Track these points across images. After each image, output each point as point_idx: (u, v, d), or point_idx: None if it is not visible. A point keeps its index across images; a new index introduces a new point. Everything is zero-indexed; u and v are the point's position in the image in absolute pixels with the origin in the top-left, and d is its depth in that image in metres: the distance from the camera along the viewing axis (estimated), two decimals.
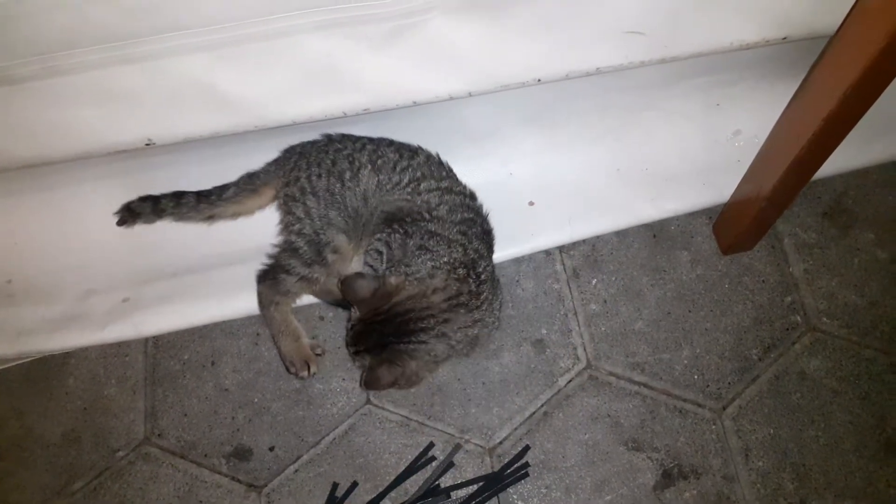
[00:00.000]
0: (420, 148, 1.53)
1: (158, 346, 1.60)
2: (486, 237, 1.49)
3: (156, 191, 1.57)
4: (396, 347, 1.31)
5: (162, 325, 1.60)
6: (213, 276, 1.62)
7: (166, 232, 1.61)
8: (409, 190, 1.45)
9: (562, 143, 1.68)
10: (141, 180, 1.59)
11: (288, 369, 1.52)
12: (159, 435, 1.52)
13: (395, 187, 1.45)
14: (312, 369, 1.52)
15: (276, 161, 1.57)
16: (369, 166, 1.46)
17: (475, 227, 1.46)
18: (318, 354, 1.54)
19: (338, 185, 1.46)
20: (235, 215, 1.60)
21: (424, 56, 1.21)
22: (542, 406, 1.50)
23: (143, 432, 1.53)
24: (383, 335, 1.31)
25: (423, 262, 1.35)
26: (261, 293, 1.51)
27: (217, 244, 1.64)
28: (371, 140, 1.52)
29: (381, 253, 1.41)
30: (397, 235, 1.40)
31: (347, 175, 1.46)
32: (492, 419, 1.49)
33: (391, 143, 1.52)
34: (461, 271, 1.36)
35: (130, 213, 1.58)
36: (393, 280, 1.32)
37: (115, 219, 1.58)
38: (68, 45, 1.11)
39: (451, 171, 1.54)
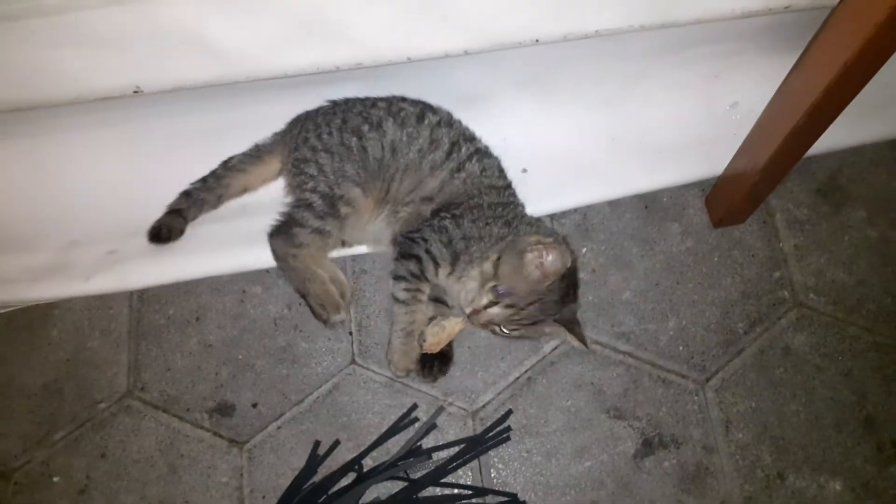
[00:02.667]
0: (432, 105, 1.51)
1: (143, 300, 1.59)
2: None
3: (147, 143, 1.55)
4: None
5: (147, 279, 1.58)
6: (201, 232, 1.60)
7: (154, 185, 1.58)
8: (452, 164, 1.44)
9: (557, 110, 1.66)
10: (132, 132, 1.57)
11: (318, 316, 1.49)
12: (142, 388, 1.52)
13: (434, 149, 1.44)
14: (342, 314, 1.49)
15: (281, 132, 1.57)
16: (391, 119, 1.45)
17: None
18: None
19: (354, 139, 1.44)
20: (242, 190, 1.58)
21: (421, 10, 1.18)
22: (526, 371, 1.50)
23: (125, 385, 1.52)
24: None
25: (501, 228, 1.39)
26: (274, 248, 1.48)
27: None
28: (380, 98, 1.51)
29: (426, 240, 1.39)
30: (464, 221, 1.39)
31: (366, 128, 1.45)
32: (476, 383, 1.50)
33: (403, 98, 1.51)
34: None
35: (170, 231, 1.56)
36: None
37: (100, 169, 1.56)
38: None
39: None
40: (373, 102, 1.49)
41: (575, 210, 1.63)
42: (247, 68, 1.24)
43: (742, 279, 1.57)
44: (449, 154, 1.44)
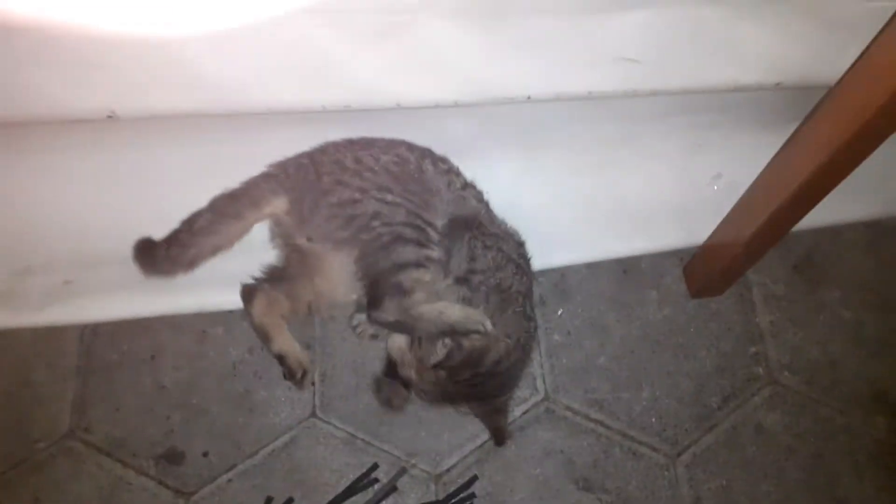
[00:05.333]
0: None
1: (96, 334, 1.50)
2: None
3: (116, 173, 1.48)
4: None
5: (104, 313, 1.50)
6: None
7: (120, 216, 1.51)
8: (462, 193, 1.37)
9: (541, 168, 1.65)
10: (102, 160, 1.50)
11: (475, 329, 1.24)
12: (86, 429, 1.42)
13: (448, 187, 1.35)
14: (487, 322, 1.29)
15: (265, 176, 1.36)
16: (429, 161, 1.35)
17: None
18: None
19: (406, 169, 1.31)
20: (214, 251, 1.34)
21: (414, 58, 1.16)
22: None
23: (68, 424, 1.42)
24: None
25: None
26: (387, 312, 1.22)
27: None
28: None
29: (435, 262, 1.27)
30: (477, 243, 1.32)
31: (412, 167, 1.32)
32: (441, 445, 1.43)
33: (403, 142, 1.39)
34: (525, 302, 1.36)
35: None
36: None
37: (65, 195, 1.49)
38: None
39: None
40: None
41: (553, 269, 1.60)
42: (231, 101, 1.20)
43: (718, 352, 1.55)
44: (462, 188, 1.39)
